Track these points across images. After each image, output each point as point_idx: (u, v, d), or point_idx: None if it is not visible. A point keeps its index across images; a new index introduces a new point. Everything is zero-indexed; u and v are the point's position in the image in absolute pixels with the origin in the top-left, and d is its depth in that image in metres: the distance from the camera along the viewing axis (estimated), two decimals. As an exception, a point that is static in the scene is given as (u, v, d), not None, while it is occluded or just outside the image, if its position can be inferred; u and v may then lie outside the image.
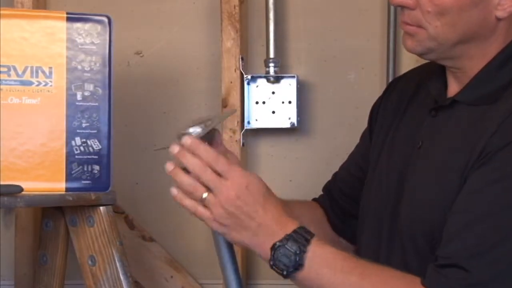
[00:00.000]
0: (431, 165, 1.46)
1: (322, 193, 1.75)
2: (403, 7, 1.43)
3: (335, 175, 1.75)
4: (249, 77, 2.01)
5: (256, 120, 2.02)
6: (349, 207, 1.69)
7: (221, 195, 1.36)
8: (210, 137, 1.43)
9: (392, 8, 1.99)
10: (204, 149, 1.37)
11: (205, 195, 1.37)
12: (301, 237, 1.37)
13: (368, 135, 1.68)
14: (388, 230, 1.51)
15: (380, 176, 1.55)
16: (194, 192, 1.38)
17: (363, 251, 1.58)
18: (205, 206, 1.38)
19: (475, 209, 1.35)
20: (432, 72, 1.52)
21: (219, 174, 1.37)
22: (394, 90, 1.63)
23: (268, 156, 2.07)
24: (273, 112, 2.02)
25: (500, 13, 1.40)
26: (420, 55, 1.47)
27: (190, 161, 1.38)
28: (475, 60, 1.45)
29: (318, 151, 2.07)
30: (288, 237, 1.36)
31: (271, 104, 2.01)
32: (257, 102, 2.02)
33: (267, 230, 1.37)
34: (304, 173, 2.08)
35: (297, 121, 2.02)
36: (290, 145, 2.07)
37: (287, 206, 1.55)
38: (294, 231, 1.37)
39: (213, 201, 1.37)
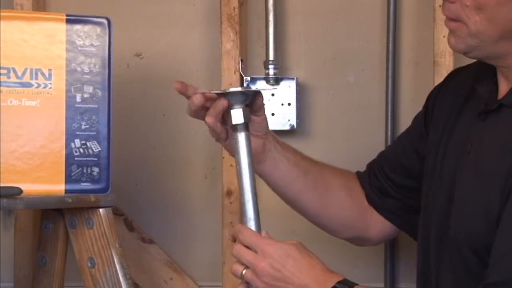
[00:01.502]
0: (477, 173, 1.45)
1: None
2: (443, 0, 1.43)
3: (381, 153, 1.75)
4: (248, 79, 2.00)
5: (256, 122, 2.02)
6: (387, 187, 1.70)
7: (256, 268, 1.43)
8: (253, 100, 1.51)
9: (392, 9, 1.98)
10: (242, 232, 1.47)
11: (243, 272, 1.45)
12: None
13: (423, 122, 1.67)
14: (436, 238, 1.51)
15: (435, 182, 1.54)
16: (235, 273, 1.47)
17: (417, 258, 1.59)
18: (247, 283, 1.47)
19: None
20: (486, 72, 1.51)
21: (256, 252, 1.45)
22: (452, 82, 1.61)
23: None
24: (273, 114, 2.01)
25: None
26: (465, 53, 1.46)
27: (235, 249, 1.48)
28: None
29: (318, 153, 2.05)
30: None
31: (270, 106, 2.01)
32: (257, 104, 2.02)
33: None
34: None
35: (297, 123, 2.01)
36: (290, 147, 2.07)
37: (318, 169, 1.67)
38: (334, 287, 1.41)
39: (249, 275, 1.45)
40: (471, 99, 1.53)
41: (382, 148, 1.87)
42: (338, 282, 1.42)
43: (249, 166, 1.50)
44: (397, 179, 1.69)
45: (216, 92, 1.49)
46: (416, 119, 1.71)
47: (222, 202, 2.01)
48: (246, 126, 1.50)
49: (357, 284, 1.42)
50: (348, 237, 1.79)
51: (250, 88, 1.51)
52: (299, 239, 1.49)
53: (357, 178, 1.75)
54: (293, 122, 2.02)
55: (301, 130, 2.04)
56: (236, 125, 1.49)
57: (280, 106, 2.01)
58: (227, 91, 1.49)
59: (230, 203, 2.00)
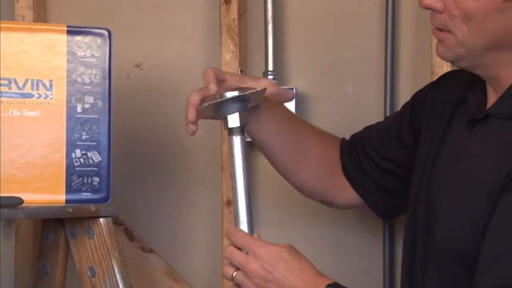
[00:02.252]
0: (465, 183, 1.45)
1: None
2: (431, 9, 1.43)
3: (367, 129, 1.75)
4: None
5: (253, 132, 2.02)
6: (365, 164, 1.70)
7: (247, 269, 1.44)
8: (257, 99, 1.53)
9: (390, 20, 1.99)
10: (234, 234, 1.48)
11: (234, 274, 1.46)
12: None
13: (407, 118, 1.67)
14: (422, 243, 1.51)
15: (424, 188, 1.54)
16: (226, 275, 1.48)
17: (403, 257, 1.59)
18: (238, 286, 1.47)
19: (508, 238, 1.34)
20: (477, 81, 1.50)
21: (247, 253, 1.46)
22: (445, 85, 1.61)
23: (267, 167, 2.07)
24: (272, 124, 2.02)
25: None
26: (452, 62, 1.47)
27: (226, 250, 1.49)
28: (508, 69, 1.43)
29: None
30: None
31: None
32: (254, 114, 2.02)
33: None
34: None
35: (296, 132, 2.02)
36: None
37: (309, 133, 1.68)
38: None
39: (240, 277, 1.46)
40: (462, 107, 1.53)
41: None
42: (328, 285, 1.42)
43: (243, 169, 1.50)
44: (376, 159, 1.70)
45: (210, 103, 1.49)
46: (404, 108, 1.71)
47: (222, 212, 2.01)
48: (241, 129, 1.50)
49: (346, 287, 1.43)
50: (314, 198, 1.81)
51: (244, 91, 1.48)
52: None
53: (339, 145, 1.75)
54: (292, 132, 2.02)
55: (300, 140, 2.04)
56: (231, 128, 1.49)
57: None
58: (221, 100, 1.48)
59: (230, 212, 2.00)
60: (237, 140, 1.50)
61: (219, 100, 1.49)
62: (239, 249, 1.46)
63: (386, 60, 1.99)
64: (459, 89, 1.55)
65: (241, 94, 1.50)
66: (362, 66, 2.02)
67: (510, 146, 1.39)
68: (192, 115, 1.51)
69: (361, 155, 1.72)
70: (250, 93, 1.51)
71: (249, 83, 1.57)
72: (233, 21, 1.98)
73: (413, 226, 1.55)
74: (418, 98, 1.67)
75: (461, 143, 1.49)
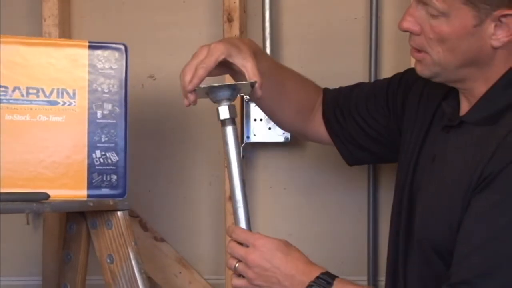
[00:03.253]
0: (440, 182, 1.44)
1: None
2: (410, 32, 1.42)
3: (353, 89, 1.71)
4: (247, 97, 2.00)
5: (255, 135, 2.02)
6: (343, 119, 1.67)
7: (247, 260, 1.42)
8: (246, 89, 1.48)
9: (373, 38, 1.99)
10: (235, 231, 1.46)
11: (236, 265, 1.44)
12: (324, 281, 1.40)
13: (384, 97, 1.64)
14: (404, 235, 1.50)
15: (406, 185, 1.53)
16: (230, 266, 1.46)
17: (388, 246, 1.58)
18: (240, 275, 1.45)
19: (480, 233, 1.33)
20: (451, 91, 1.50)
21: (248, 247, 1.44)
22: (426, 91, 1.57)
23: (265, 167, 2.07)
24: (269, 128, 2.01)
25: (494, 43, 1.38)
26: (430, 78, 1.45)
27: (228, 245, 1.47)
28: (479, 83, 1.42)
29: (309, 162, 2.07)
30: (312, 284, 1.40)
31: (267, 121, 2.00)
32: (255, 120, 2.01)
33: (293, 281, 1.42)
34: (297, 181, 2.07)
35: (290, 136, 2.01)
36: (284, 157, 2.07)
37: (293, 81, 1.64)
38: (317, 278, 1.41)
39: (242, 267, 1.44)
40: (438, 113, 1.52)
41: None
42: (322, 273, 1.42)
43: (236, 156, 1.47)
44: (358, 119, 1.66)
45: (205, 86, 1.46)
46: (379, 86, 1.68)
47: (225, 206, 2.00)
48: (232, 120, 1.47)
49: (337, 277, 1.42)
50: (291, 133, 1.83)
51: (236, 85, 1.47)
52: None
53: (320, 92, 1.72)
54: (287, 135, 2.01)
55: (295, 142, 2.03)
56: (223, 120, 1.47)
57: (276, 120, 2.01)
58: (216, 85, 1.45)
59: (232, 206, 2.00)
60: (229, 130, 1.47)
61: (211, 86, 1.45)
62: (240, 244, 1.45)
63: (370, 73, 1.99)
64: (437, 98, 1.54)
65: (230, 84, 1.47)
66: (348, 78, 1.99)
67: (480, 149, 1.38)
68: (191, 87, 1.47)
69: (345, 112, 1.68)
70: (240, 83, 1.48)
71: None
72: (235, 37, 1.97)
73: (398, 218, 1.54)
74: (402, 87, 1.64)
75: (437, 145, 1.48)
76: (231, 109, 1.46)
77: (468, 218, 1.36)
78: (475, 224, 1.34)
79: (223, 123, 1.47)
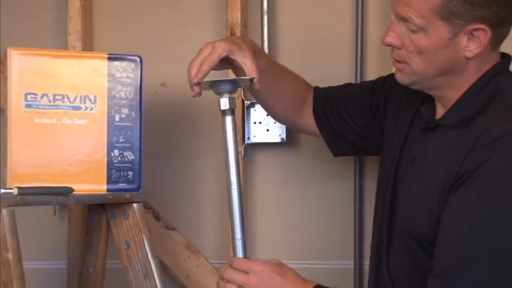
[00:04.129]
0: (420, 179, 1.43)
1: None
2: (392, 46, 1.43)
3: (340, 91, 1.70)
4: (248, 103, 2.01)
5: (254, 136, 2.02)
6: (332, 115, 1.67)
7: (250, 285, 1.41)
8: (245, 84, 1.47)
9: (359, 50, 1.99)
10: (234, 261, 1.45)
11: None
12: None
13: (368, 97, 1.63)
14: (387, 224, 1.50)
15: (390, 181, 1.53)
16: None
17: (371, 245, 1.57)
18: None
19: (458, 227, 1.33)
20: (428, 96, 1.50)
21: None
22: (406, 96, 1.56)
23: (263, 165, 2.07)
24: (267, 130, 2.01)
25: (467, 54, 1.38)
26: (408, 85, 1.45)
27: (226, 274, 1.45)
28: (453, 90, 1.42)
29: (302, 160, 2.07)
30: None
31: (266, 123, 2.01)
32: (255, 122, 2.02)
33: None
34: (292, 177, 2.07)
35: (286, 136, 2.01)
36: (280, 155, 2.07)
37: (286, 77, 1.63)
38: None
39: None
40: (417, 117, 1.52)
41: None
42: (314, 286, 1.42)
43: (234, 143, 1.48)
44: (345, 115, 1.66)
45: (209, 80, 1.46)
46: (364, 87, 1.67)
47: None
48: (232, 111, 1.47)
49: (327, 287, 1.43)
50: (284, 124, 1.81)
51: (237, 79, 1.48)
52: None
53: (312, 90, 1.72)
54: (284, 135, 2.01)
55: (290, 142, 2.03)
56: (223, 110, 1.46)
57: (273, 123, 2.00)
58: (219, 80, 1.46)
59: (234, 199, 2.00)
60: (228, 119, 1.47)
61: (214, 79, 1.46)
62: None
63: (356, 81, 1.98)
64: (416, 103, 1.54)
65: (230, 79, 1.48)
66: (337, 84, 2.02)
67: (455, 149, 1.37)
68: (196, 80, 1.47)
69: (333, 109, 1.67)
70: (240, 78, 1.48)
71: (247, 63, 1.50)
72: (237, 36, 1.96)
73: (381, 213, 1.53)
74: (382, 84, 1.64)
75: (416, 146, 1.48)
76: (231, 100, 1.46)
77: (446, 215, 1.35)
78: (453, 220, 1.34)
79: (223, 113, 1.47)
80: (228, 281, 1.43)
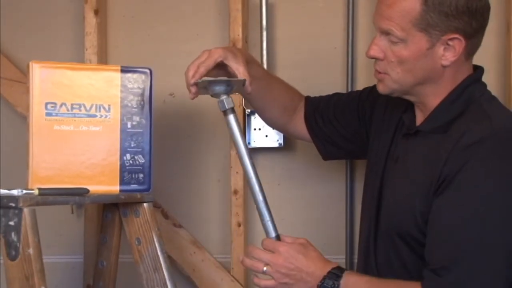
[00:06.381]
0: (404, 179, 1.43)
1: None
2: (376, 59, 1.43)
3: (330, 99, 1.69)
4: (249, 111, 2.01)
5: (254, 141, 2.02)
6: (328, 125, 1.66)
7: (276, 264, 1.41)
8: (238, 86, 1.46)
9: (350, 63, 1.99)
10: (263, 242, 1.44)
11: (265, 268, 1.42)
12: (334, 274, 1.40)
13: (356, 106, 1.63)
14: (375, 221, 1.50)
15: (376, 180, 1.52)
16: (257, 269, 1.43)
17: (360, 240, 1.57)
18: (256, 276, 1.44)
19: (447, 226, 1.33)
20: (410, 105, 1.50)
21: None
22: (390, 105, 1.56)
23: (262, 167, 2.07)
24: (266, 136, 2.01)
25: (444, 62, 1.38)
26: (389, 94, 1.45)
27: (254, 252, 1.45)
28: (431, 97, 1.42)
29: (298, 163, 2.07)
30: (325, 277, 1.40)
31: (264, 130, 2.01)
32: (255, 129, 2.01)
33: (313, 276, 1.41)
34: (289, 179, 2.07)
35: (283, 142, 2.01)
36: (278, 159, 2.07)
37: (278, 86, 1.62)
38: (329, 272, 1.40)
39: (270, 270, 1.42)
40: (400, 124, 1.53)
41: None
42: (333, 268, 1.41)
43: (241, 138, 1.46)
44: (334, 122, 1.66)
45: (205, 79, 1.46)
46: (351, 97, 1.67)
47: (231, 199, 2.01)
48: (232, 109, 1.46)
49: (346, 270, 1.42)
50: (277, 130, 1.79)
51: (230, 80, 1.47)
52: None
53: (303, 98, 1.71)
54: (281, 141, 2.01)
55: (287, 147, 2.03)
56: (224, 110, 1.46)
57: (271, 130, 2.00)
58: (214, 79, 1.45)
59: (236, 199, 2.00)
60: (231, 118, 1.46)
61: (209, 79, 1.45)
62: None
63: (347, 91, 1.98)
64: (399, 112, 1.54)
65: (224, 79, 1.46)
66: (329, 93, 2.01)
67: (435, 153, 1.37)
68: (193, 80, 1.46)
69: (324, 116, 1.67)
70: (232, 79, 1.47)
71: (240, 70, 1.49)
72: (233, 46, 1.96)
73: (368, 211, 1.54)
74: (369, 101, 1.63)
75: (399, 149, 1.48)
76: (229, 100, 1.46)
77: (435, 215, 1.34)
78: (443, 219, 1.33)
79: (225, 113, 1.46)
80: (255, 259, 1.44)
